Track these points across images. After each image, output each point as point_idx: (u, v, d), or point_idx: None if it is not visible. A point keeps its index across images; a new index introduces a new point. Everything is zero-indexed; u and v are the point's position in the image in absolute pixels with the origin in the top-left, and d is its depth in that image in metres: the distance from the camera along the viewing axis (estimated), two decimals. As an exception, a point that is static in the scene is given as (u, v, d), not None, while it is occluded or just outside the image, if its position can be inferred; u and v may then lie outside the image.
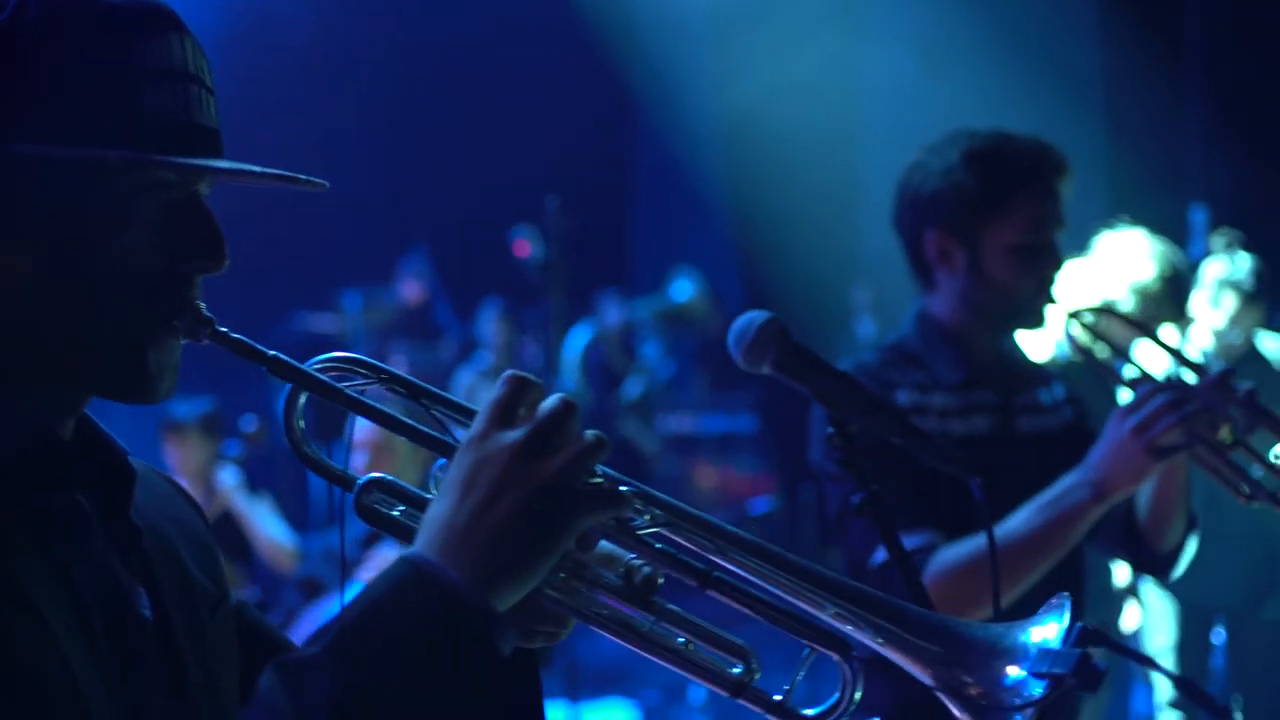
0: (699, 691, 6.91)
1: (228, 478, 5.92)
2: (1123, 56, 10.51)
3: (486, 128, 11.33)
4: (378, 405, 1.42)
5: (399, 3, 11.98)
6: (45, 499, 1.35)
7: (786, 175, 11.09)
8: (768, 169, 11.43)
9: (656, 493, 1.38)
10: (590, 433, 1.31)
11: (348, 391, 1.41)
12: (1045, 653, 1.27)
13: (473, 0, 11.43)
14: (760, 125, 11.57)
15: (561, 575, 1.37)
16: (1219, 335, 4.96)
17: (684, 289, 10.98)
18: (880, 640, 1.35)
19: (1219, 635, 5.33)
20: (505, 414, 1.30)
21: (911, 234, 2.94)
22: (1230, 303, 4.92)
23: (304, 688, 1.22)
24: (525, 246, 8.36)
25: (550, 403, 1.31)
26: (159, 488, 1.59)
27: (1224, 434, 2.62)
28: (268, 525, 5.93)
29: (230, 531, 5.79)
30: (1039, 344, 4.24)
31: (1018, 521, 2.64)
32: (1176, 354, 2.97)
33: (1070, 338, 2.94)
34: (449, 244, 10.74)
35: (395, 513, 1.42)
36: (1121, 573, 4.98)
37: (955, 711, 1.32)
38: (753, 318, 2.00)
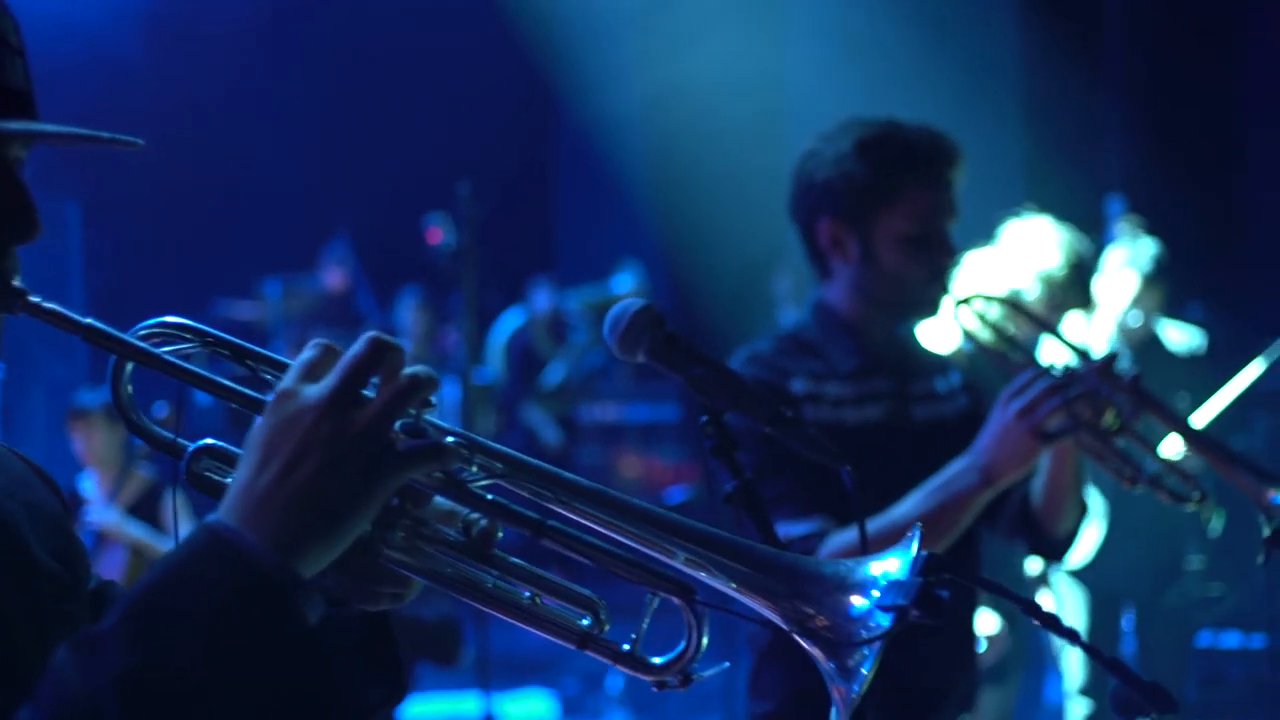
0: (616, 680, 6.92)
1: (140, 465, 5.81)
2: (1041, 49, 10.60)
3: (408, 114, 11.31)
4: (196, 369, 1.37)
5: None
6: None
7: (709, 163, 11.11)
8: (690, 157, 11.45)
9: (491, 443, 1.33)
10: (408, 373, 1.24)
11: (167, 357, 1.36)
12: (891, 584, 1.27)
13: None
14: (683, 113, 11.58)
15: (400, 534, 1.32)
16: (1121, 320, 5.03)
17: (625, 282, 11.03)
18: (731, 582, 1.32)
19: (1128, 621, 5.41)
20: (312, 370, 1.25)
21: (806, 223, 2.95)
22: (1131, 284, 4.99)
23: (93, 661, 1.15)
24: (437, 234, 8.32)
25: (356, 349, 1.24)
26: (14, 470, 1.54)
27: (1109, 419, 2.64)
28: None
29: (151, 513, 5.71)
30: (945, 334, 4.27)
31: (908, 506, 2.66)
32: (1063, 339, 3.00)
33: (960, 324, 2.95)
34: (371, 231, 10.69)
35: (229, 480, 1.33)
36: (1035, 562, 5.03)
37: (808, 649, 1.30)
38: (628, 305, 1.99)
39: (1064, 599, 5.17)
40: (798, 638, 1.30)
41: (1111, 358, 2.71)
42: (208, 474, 1.37)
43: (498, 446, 1.34)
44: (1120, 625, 5.39)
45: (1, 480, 1.48)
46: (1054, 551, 2.98)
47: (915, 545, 1.30)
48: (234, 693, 1.16)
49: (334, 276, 10.75)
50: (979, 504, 2.67)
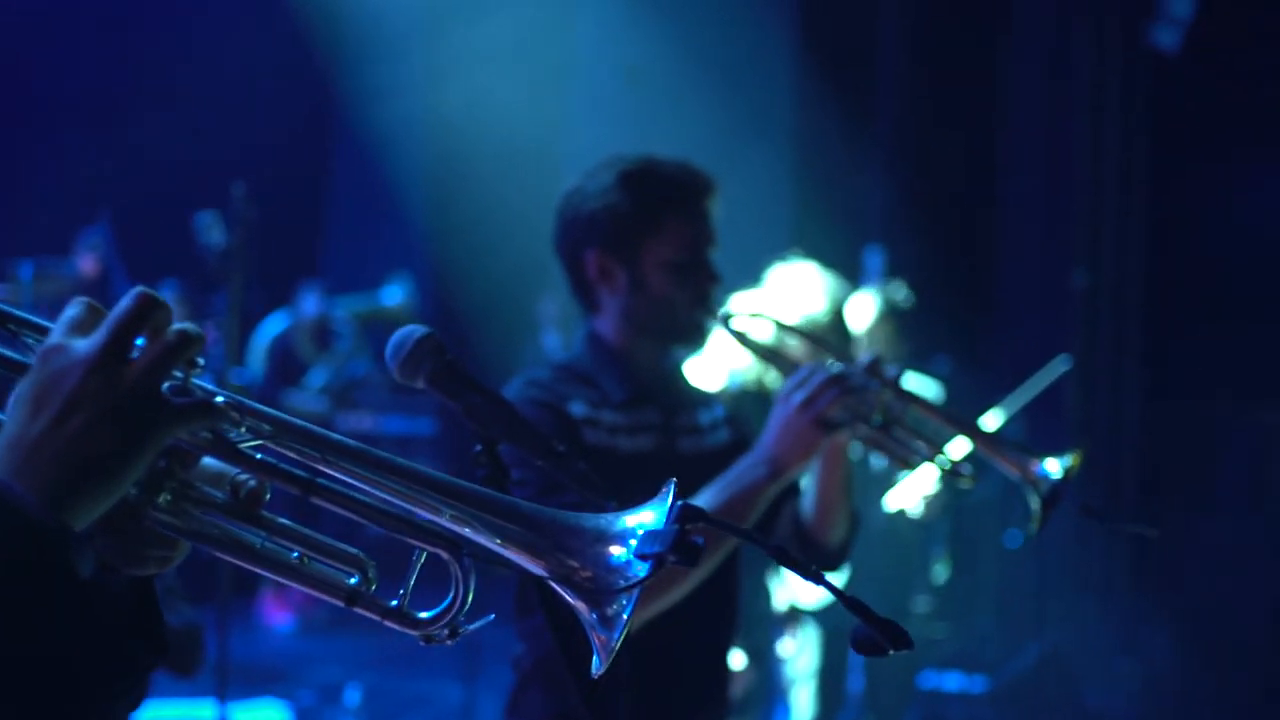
0: (354, 693, 6.89)
1: None
2: (814, 102, 10.90)
3: (184, 109, 11.07)
4: None
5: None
6: None
7: (484, 186, 11.15)
8: (466, 178, 11.47)
9: (257, 405, 1.33)
10: (176, 329, 1.24)
11: None
12: (648, 534, 1.29)
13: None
14: (462, 134, 11.59)
15: (167, 496, 1.31)
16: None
17: (394, 294, 10.98)
18: (496, 538, 1.33)
19: (857, 659, 5.61)
20: (79, 326, 1.24)
21: (571, 256, 3.01)
22: (870, 321, 5.18)
23: None
24: (208, 231, 8.17)
25: (124, 305, 1.22)
26: None
27: (877, 415, 2.78)
28: None
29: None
30: (713, 373, 4.38)
31: (699, 501, 2.70)
32: (829, 347, 3.16)
33: (731, 333, 3.03)
34: (136, 222, 10.43)
35: None
36: (782, 595, 5.17)
37: (571, 600, 1.32)
38: (410, 331, 2.02)
39: (802, 636, 5.34)
40: (560, 590, 1.32)
41: (878, 359, 2.84)
42: None
43: (265, 408, 1.34)
44: (848, 661, 5.58)
45: None
46: (829, 564, 3.04)
47: (670, 496, 1.33)
48: (3, 642, 1.14)
49: (87, 262, 10.45)
50: (768, 496, 2.76)
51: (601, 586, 1.30)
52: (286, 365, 9.95)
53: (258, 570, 1.36)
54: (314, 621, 9.55)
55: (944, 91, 10.81)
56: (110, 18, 11.68)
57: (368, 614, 1.35)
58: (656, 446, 2.98)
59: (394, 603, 1.35)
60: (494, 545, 1.33)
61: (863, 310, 5.18)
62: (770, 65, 11.06)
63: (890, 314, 5.20)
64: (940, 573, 5.50)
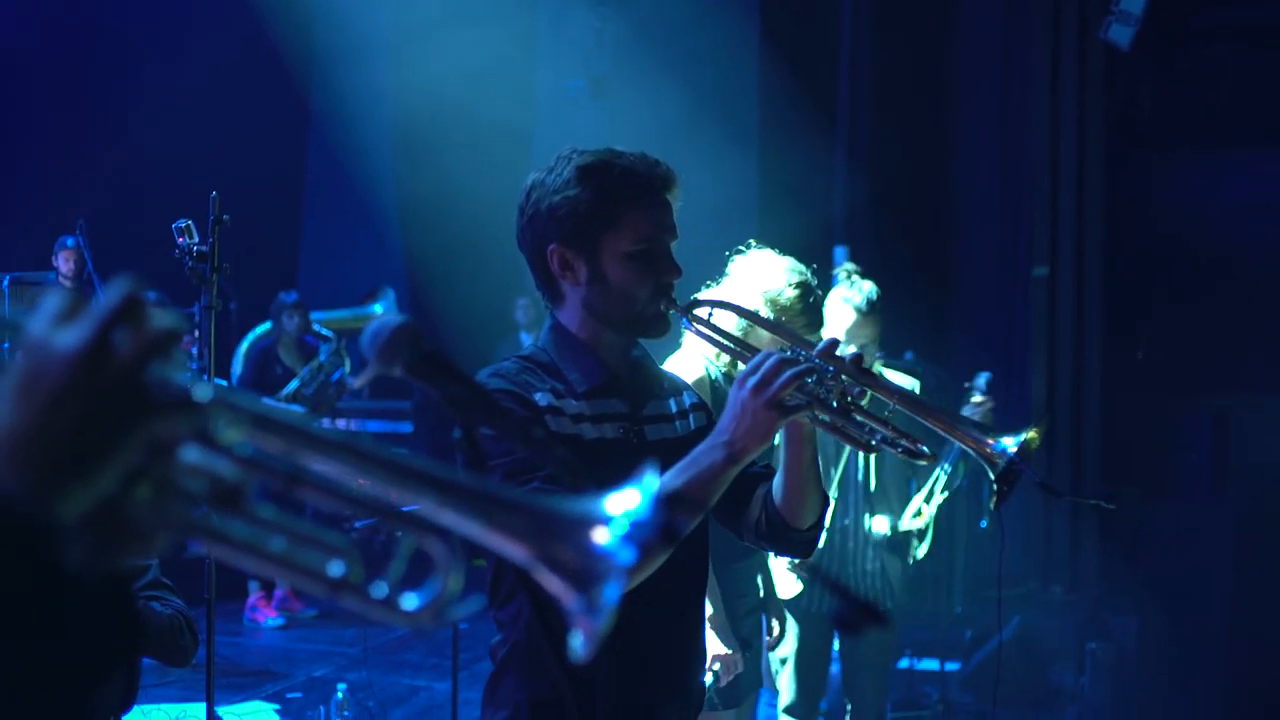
0: (342, 690, 6.99)
1: None
2: (778, 103, 11.01)
3: (157, 118, 11.11)
4: None
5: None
6: None
7: (456, 190, 11.22)
8: (438, 183, 11.55)
9: (240, 397, 1.31)
10: (159, 323, 1.21)
11: None
12: (633, 519, 1.29)
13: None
14: (432, 139, 11.69)
15: (147, 489, 1.28)
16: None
17: (379, 306, 11.04)
18: (482, 523, 1.32)
19: (836, 647, 5.75)
20: (61, 317, 1.20)
21: (534, 250, 3.00)
22: (847, 319, 5.30)
23: None
24: (185, 237, 8.22)
25: (108, 298, 1.20)
26: None
27: (837, 395, 2.81)
28: None
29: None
30: (686, 362, 4.43)
31: (662, 482, 2.74)
32: (789, 334, 3.14)
33: (693, 323, 3.07)
34: (111, 232, 10.47)
35: None
36: (785, 584, 5.27)
37: (556, 587, 1.31)
38: (388, 320, 2.03)
39: (780, 624, 5.43)
40: (545, 576, 1.31)
41: (834, 342, 2.85)
42: None
43: (248, 401, 1.31)
44: (829, 649, 5.72)
45: None
46: (802, 548, 3.05)
47: (653, 481, 1.33)
48: None
49: (64, 263, 10.44)
50: (726, 479, 2.75)
51: (588, 572, 1.30)
52: (267, 373, 10.03)
53: (241, 563, 1.35)
54: (299, 619, 9.70)
55: (901, 88, 10.97)
56: (83, 23, 11.72)
57: (355, 605, 1.33)
58: (622, 434, 2.98)
59: (383, 593, 1.34)
60: (480, 532, 1.32)
61: (841, 311, 5.30)
62: (734, 74, 11.17)
63: (870, 311, 5.32)
64: (915, 555, 5.66)
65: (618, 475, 1.36)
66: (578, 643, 1.31)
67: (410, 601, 1.33)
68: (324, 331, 10.31)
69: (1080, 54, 10.20)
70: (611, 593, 1.29)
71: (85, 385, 1.17)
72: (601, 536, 1.30)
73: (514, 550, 1.32)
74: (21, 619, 1.15)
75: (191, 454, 1.28)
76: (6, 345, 1.30)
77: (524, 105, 12.16)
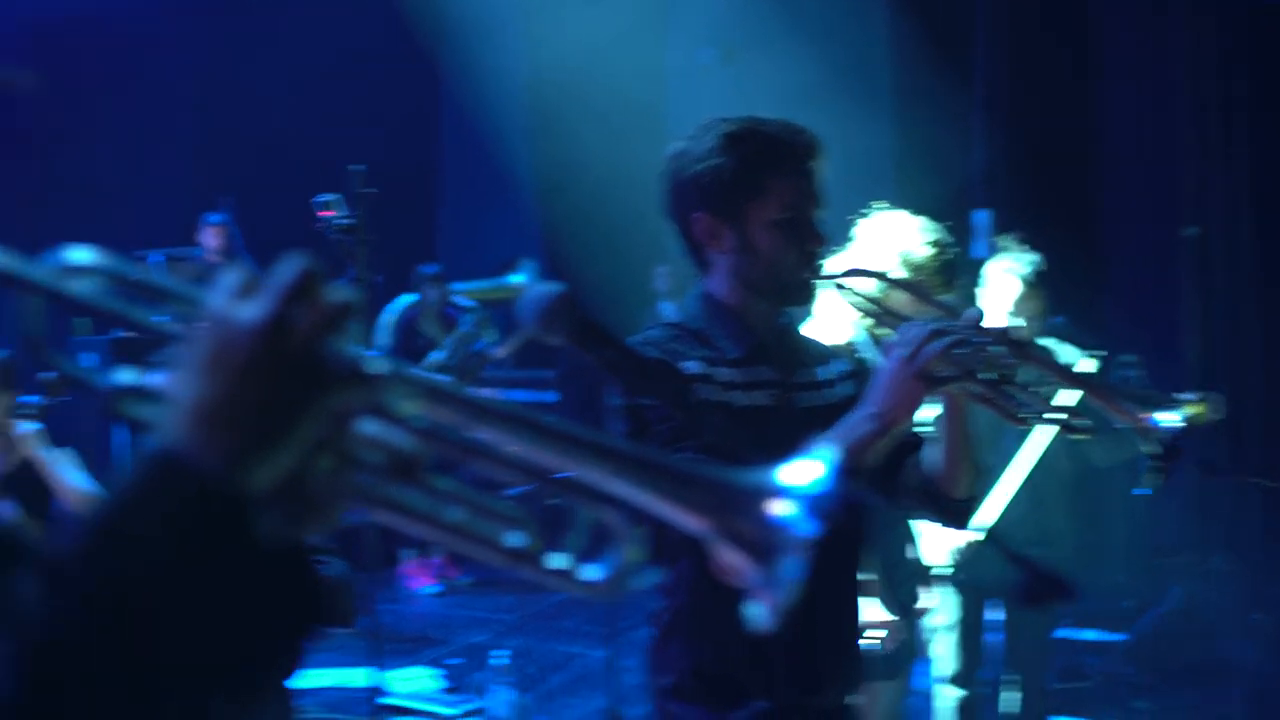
0: (502, 656, 7.09)
1: (26, 426, 5.67)
2: (912, 66, 10.91)
3: (296, 92, 11.26)
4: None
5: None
6: None
7: (590, 159, 11.27)
8: (572, 152, 11.60)
9: (415, 372, 1.31)
10: (334, 297, 1.21)
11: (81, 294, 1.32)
12: (812, 490, 1.27)
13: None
14: (565, 108, 11.73)
15: (327, 460, 1.29)
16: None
17: (519, 275, 11.11)
18: (659, 495, 1.30)
19: (997, 614, 5.71)
20: (240, 293, 1.21)
21: (681, 218, 3.01)
22: (1013, 291, 5.24)
23: (58, 583, 1.17)
24: (329, 211, 8.37)
25: (284, 272, 1.20)
26: None
27: (988, 369, 2.79)
28: (69, 474, 5.74)
29: (29, 481, 5.63)
30: (834, 328, 4.42)
31: None
32: (938, 304, 3.14)
33: (840, 291, 3.08)
34: (255, 210, 10.66)
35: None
36: (932, 552, 5.26)
37: (738, 561, 1.28)
38: (547, 288, 2.07)
39: (937, 592, 5.42)
40: (724, 549, 1.29)
41: (981, 313, 2.83)
42: (132, 408, 1.32)
43: (422, 374, 1.32)
44: (985, 618, 5.69)
45: None
46: (959, 516, 3.07)
47: (832, 454, 1.30)
48: (196, 605, 1.18)
49: (212, 238, 10.66)
50: (874, 448, 2.79)
51: (769, 544, 1.27)
52: (411, 344, 10.16)
53: (420, 532, 1.36)
54: (456, 586, 9.86)
55: (1040, 46, 10.79)
56: (219, 5, 11.91)
57: (532, 575, 1.34)
58: (774, 401, 2.97)
59: (563, 564, 1.34)
60: (657, 504, 1.31)
61: (1006, 282, 5.24)
62: (865, 37, 11.07)
63: (1037, 283, 5.26)
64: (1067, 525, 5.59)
65: (770, 442, 1.42)
66: (759, 614, 1.29)
67: (591, 572, 1.32)
68: (465, 303, 10.40)
69: (1224, 5, 9.97)
70: (794, 566, 1.27)
71: (270, 359, 1.18)
72: (782, 508, 1.28)
73: (692, 522, 1.31)
74: (226, 590, 1.18)
75: (369, 426, 1.29)
76: (168, 318, 1.32)
77: (653, 75, 12.16)
